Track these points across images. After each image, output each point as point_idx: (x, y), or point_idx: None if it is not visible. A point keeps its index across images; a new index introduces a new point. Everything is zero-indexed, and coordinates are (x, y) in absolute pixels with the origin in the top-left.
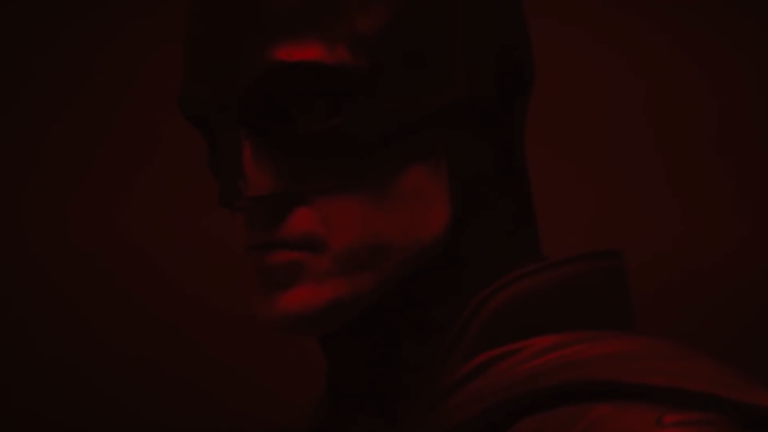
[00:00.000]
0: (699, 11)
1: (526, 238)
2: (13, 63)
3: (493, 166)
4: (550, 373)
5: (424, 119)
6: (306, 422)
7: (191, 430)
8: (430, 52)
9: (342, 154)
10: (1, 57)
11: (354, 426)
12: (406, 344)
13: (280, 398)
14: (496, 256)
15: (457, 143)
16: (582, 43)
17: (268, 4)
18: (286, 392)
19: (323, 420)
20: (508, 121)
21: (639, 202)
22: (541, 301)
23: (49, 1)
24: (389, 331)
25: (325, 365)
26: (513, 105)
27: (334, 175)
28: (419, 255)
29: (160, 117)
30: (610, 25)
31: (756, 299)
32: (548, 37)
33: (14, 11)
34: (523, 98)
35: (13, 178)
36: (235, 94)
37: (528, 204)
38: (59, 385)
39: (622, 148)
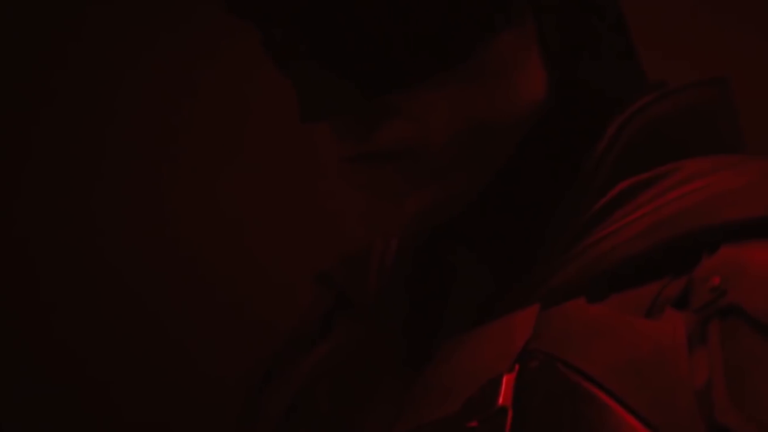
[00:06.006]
0: None
1: (634, 69)
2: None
3: (580, 6)
4: (709, 208)
5: None
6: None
7: None
8: None
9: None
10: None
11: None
12: (534, 192)
13: None
14: (614, 88)
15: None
16: None
17: None
18: None
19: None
20: None
21: None
22: (672, 127)
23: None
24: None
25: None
26: None
27: (422, 71)
28: (530, 117)
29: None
30: None
31: None
32: None
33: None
34: None
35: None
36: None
37: (628, 37)
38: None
39: None
